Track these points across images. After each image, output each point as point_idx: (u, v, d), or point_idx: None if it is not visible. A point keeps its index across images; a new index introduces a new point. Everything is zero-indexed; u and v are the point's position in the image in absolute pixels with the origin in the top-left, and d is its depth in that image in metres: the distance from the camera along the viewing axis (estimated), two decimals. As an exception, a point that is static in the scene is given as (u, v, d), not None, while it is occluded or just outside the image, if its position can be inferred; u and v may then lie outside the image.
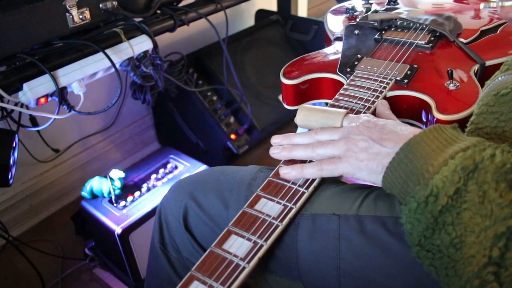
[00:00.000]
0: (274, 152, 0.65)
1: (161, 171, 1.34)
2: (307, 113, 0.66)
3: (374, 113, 0.71)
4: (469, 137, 0.52)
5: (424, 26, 0.94)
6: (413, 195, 0.49)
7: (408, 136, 0.53)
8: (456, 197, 0.47)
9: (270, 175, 0.64)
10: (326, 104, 0.74)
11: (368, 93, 0.75)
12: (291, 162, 0.64)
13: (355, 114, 0.69)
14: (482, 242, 0.44)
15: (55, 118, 1.01)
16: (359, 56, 0.87)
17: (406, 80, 0.78)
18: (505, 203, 0.44)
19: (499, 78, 0.62)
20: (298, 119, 0.67)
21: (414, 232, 0.50)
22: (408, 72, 0.80)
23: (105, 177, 1.25)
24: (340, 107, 0.72)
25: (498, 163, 0.46)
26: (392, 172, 0.53)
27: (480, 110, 0.61)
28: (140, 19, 1.15)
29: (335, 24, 1.05)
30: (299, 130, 0.72)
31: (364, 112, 0.69)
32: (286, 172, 0.61)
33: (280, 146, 0.65)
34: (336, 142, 0.60)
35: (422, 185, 0.49)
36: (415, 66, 0.81)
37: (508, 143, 0.57)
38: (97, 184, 1.24)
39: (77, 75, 0.98)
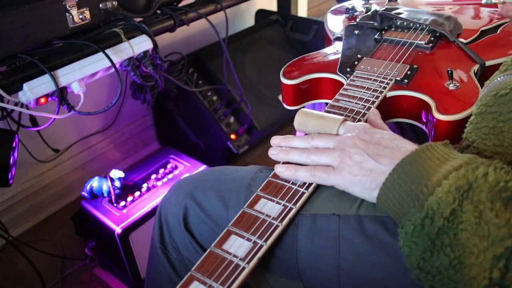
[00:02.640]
0: (272, 153, 0.65)
1: (161, 171, 1.34)
2: (304, 118, 0.65)
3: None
4: (460, 154, 0.52)
5: (424, 26, 0.94)
6: (409, 217, 0.49)
7: (404, 155, 0.53)
8: (452, 218, 0.46)
9: (270, 175, 0.64)
10: (326, 104, 0.74)
11: (368, 93, 0.75)
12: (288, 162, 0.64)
13: (355, 114, 0.69)
14: (482, 264, 0.43)
15: (55, 118, 1.01)
16: (359, 56, 0.87)
17: (406, 80, 0.78)
18: (502, 223, 0.44)
19: (498, 79, 0.62)
20: (295, 123, 0.66)
21: (412, 255, 0.49)
22: (408, 72, 0.80)
23: (105, 177, 1.25)
24: (340, 107, 0.72)
25: (491, 182, 0.46)
26: (386, 194, 0.52)
27: (479, 110, 0.61)
28: (140, 19, 1.15)
29: (335, 24, 1.05)
30: (298, 133, 0.72)
31: (359, 120, 0.68)
32: (281, 170, 0.62)
33: (279, 147, 0.65)
34: (331, 152, 0.59)
35: (417, 207, 0.48)
36: (415, 66, 0.81)
37: (506, 143, 0.57)
38: (97, 184, 1.24)
39: (77, 75, 0.98)
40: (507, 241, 0.43)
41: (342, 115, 0.69)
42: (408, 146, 0.55)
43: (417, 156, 0.52)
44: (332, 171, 0.58)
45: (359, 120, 0.68)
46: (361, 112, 0.70)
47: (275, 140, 0.66)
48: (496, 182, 0.46)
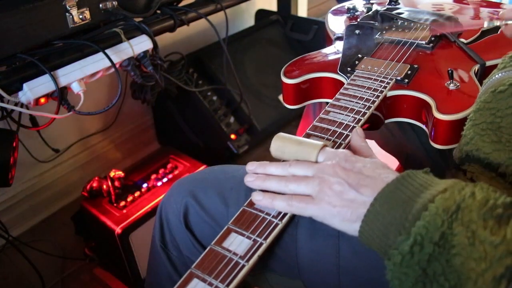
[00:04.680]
0: (248, 180, 0.61)
1: (161, 171, 1.34)
2: (281, 144, 0.61)
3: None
4: (443, 180, 0.49)
5: (425, 26, 0.94)
6: (396, 246, 0.46)
7: (385, 184, 0.50)
8: (442, 242, 0.43)
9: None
10: (327, 103, 0.74)
11: (368, 92, 0.75)
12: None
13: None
14: None
15: (55, 118, 1.01)
16: (359, 55, 0.87)
17: (406, 80, 0.78)
18: (498, 240, 0.41)
19: (497, 76, 0.63)
20: (272, 149, 0.62)
21: None
22: (409, 72, 0.80)
23: (105, 177, 1.25)
24: (341, 107, 0.72)
25: (480, 200, 0.44)
26: (369, 225, 0.49)
27: (478, 107, 0.62)
28: (140, 19, 1.15)
29: (336, 24, 1.05)
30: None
31: (340, 144, 0.64)
32: (258, 198, 0.58)
33: (255, 174, 0.61)
34: (310, 180, 0.55)
35: (404, 234, 0.45)
36: (416, 66, 0.81)
37: (504, 139, 0.57)
38: (97, 184, 1.24)
39: (77, 75, 0.98)
40: (506, 260, 0.40)
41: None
42: (390, 175, 0.52)
43: (398, 184, 0.49)
44: (311, 201, 0.54)
45: (341, 144, 0.64)
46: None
47: (250, 166, 0.62)
48: (485, 200, 0.44)
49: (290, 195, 0.56)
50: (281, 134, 0.63)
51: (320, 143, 0.59)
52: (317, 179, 0.54)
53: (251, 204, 0.59)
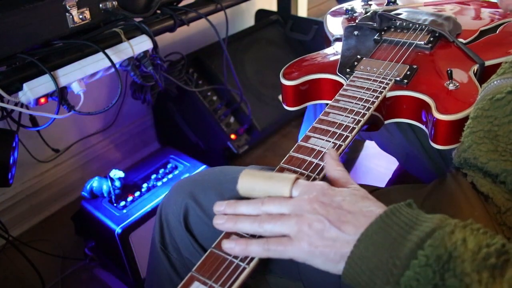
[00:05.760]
0: (217, 223, 0.54)
1: (161, 171, 1.35)
2: (250, 181, 0.56)
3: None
4: (429, 216, 0.47)
5: (423, 27, 0.94)
6: None
7: (369, 221, 0.48)
8: None
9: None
10: (327, 105, 0.74)
11: (367, 93, 0.75)
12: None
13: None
14: None
15: (55, 118, 1.01)
16: (358, 56, 0.87)
17: (405, 81, 0.78)
18: None
19: (495, 82, 0.63)
20: (240, 188, 0.56)
21: None
22: (408, 73, 0.80)
23: (105, 177, 1.25)
24: (340, 108, 0.72)
25: (473, 249, 0.42)
26: (353, 268, 0.46)
27: (475, 114, 0.62)
28: (140, 19, 1.15)
29: (334, 25, 1.05)
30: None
31: (315, 177, 0.59)
32: (229, 247, 0.52)
33: (225, 215, 0.55)
34: (287, 219, 0.51)
35: (393, 284, 0.43)
36: (415, 66, 0.82)
37: (500, 148, 0.57)
38: (97, 184, 1.24)
39: (77, 75, 0.99)
40: None
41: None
42: (372, 209, 0.49)
43: (382, 224, 0.46)
44: (289, 243, 0.50)
45: (317, 176, 0.59)
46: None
47: (219, 207, 0.56)
48: (478, 248, 0.42)
49: (266, 239, 0.51)
50: (248, 170, 0.57)
51: (292, 175, 0.55)
52: (294, 217, 0.50)
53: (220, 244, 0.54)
